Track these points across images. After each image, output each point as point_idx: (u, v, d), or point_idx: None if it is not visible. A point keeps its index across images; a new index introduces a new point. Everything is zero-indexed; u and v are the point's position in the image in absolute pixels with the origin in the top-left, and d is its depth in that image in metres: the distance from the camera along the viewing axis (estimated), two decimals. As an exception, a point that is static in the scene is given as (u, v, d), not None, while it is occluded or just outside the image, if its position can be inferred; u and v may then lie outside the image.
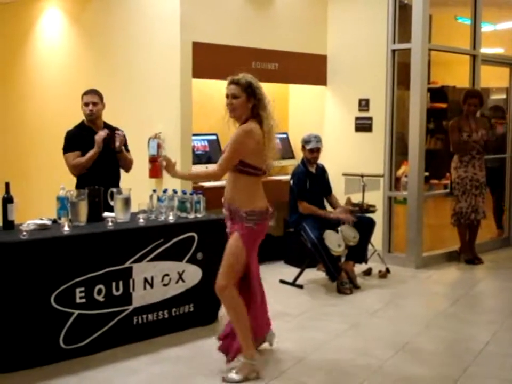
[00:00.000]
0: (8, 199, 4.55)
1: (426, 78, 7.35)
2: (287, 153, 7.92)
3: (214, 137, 7.20)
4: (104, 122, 5.55)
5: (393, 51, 7.39)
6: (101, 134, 5.32)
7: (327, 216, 6.46)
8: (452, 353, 4.86)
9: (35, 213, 5.49)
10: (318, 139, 6.51)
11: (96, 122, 5.49)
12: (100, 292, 4.56)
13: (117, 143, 5.39)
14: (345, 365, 4.50)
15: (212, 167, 4.45)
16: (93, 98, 5.44)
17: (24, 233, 4.28)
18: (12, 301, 4.20)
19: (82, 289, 4.47)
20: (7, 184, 4.59)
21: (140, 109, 6.94)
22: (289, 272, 6.83)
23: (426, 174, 7.58)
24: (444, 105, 8.43)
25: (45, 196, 6.51)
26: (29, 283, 4.24)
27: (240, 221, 4.16)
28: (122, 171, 5.63)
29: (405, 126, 7.43)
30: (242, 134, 4.12)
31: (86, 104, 5.43)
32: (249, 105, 4.16)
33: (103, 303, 4.58)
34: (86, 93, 5.48)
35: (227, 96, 4.20)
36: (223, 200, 4.32)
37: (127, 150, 5.60)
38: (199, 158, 6.93)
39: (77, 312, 4.45)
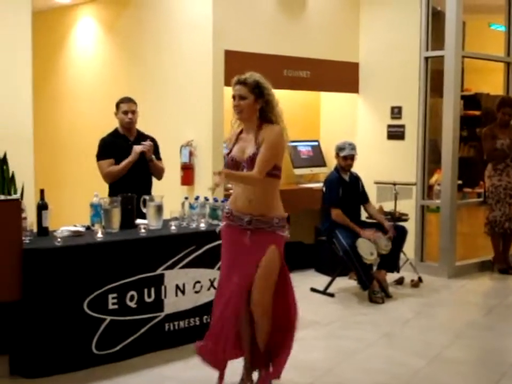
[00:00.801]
0: (42, 206, 4.61)
1: (459, 85, 7.29)
2: (319, 161, 7.91)
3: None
4: (138, 130, 5.60)
5: (426, 58, 7.33)
6: (141, 148, 5.35)
7: (357, 231, 6.36)
8: (484, 364, 4.80)
9: (69, 219, 5.56)
10: (353, 146, 6.48)
11: (131, 130, 5.54)
12: (132, 298, 4.60)
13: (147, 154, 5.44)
14: (376, 375, 4.46)
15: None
16: (132, 106, 5.48)
17: (59, 239, 4.34)
18: (45, 306, 4.25)
19: (115, 295, 4.51)
20: (41, 191, 4.65)
21: (172, 116, 7.00)
22: (321, 280, 6.81)
23: (460, 182, 7.50)
24: (477, 113, 8.34)
25: (78, 203, 6.58)
26: (62, 289, 4.30)
27: (272, 230, 3.88)
28: (154, 178, 5.67)
29: (437, 133, 7.36)
30: (280, 134, 3.88)
31: (125, 113, 5.45)
32: (257, 106, 3.87)
33: (135, 310, 4.61)
34: (123, 101, 5.50)
35: (233, 97, 3.90)
36: (233, 210, 3.97)
37: (159, 158, 5.63)
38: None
39: (109, 318, 4.49)
